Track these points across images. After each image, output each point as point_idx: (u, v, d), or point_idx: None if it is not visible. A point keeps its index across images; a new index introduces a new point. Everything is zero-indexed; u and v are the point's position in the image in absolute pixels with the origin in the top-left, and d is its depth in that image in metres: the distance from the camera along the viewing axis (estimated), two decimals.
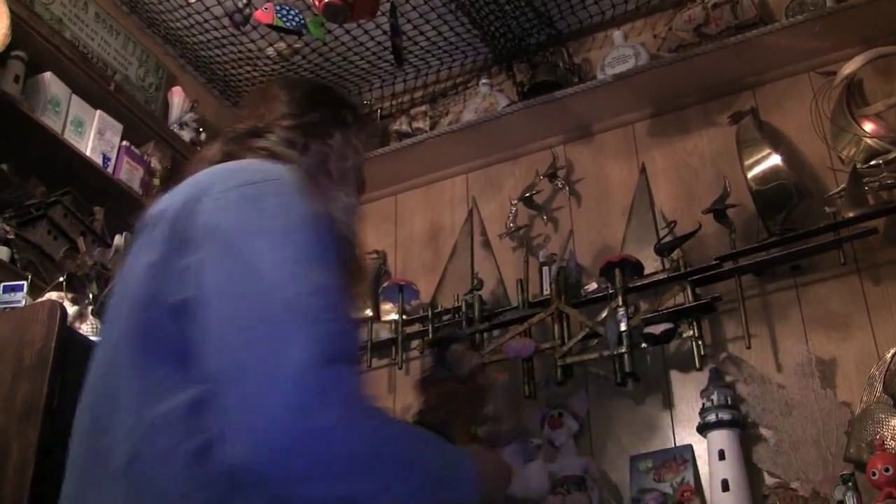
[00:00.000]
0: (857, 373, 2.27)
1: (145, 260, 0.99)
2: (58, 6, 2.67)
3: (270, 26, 2.47)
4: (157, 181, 2.74)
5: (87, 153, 2.52)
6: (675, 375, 2.49)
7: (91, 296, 2.09)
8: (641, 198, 2.73)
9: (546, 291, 2.66)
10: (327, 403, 0.85)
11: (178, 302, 0.94)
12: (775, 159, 2.42)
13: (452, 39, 3.07)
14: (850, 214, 2.32)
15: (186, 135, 2.95)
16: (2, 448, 1.60)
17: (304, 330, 0.88)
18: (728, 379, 2.37)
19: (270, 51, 3.03)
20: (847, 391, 2.25)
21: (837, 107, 2.48)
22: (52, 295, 2.01)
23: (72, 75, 2.54)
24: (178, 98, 3.01)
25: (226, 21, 2.79)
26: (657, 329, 2.40)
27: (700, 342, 2.39)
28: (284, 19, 2.45)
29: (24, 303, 1.97)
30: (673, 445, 2.40)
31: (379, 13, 2.45)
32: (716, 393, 2.31)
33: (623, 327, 2.40)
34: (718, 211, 2.47)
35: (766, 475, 2.24)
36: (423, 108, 3.23)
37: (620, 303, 2.44)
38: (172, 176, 2.78)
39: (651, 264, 2.55)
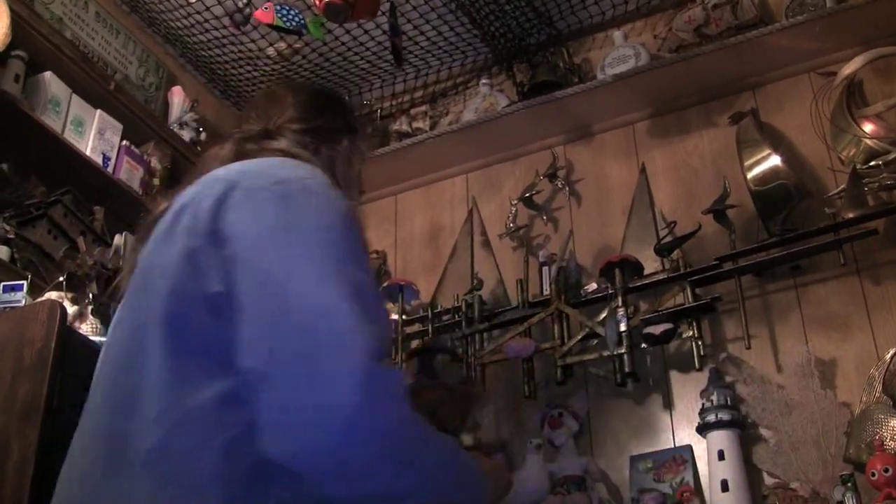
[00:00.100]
0: (856, 373, 2.27)
1: (175, 250, 0.98)
2: (58, 5, 2.67)
3: (270, 26, 2.47)
4: (156, 181, 2.74)
5: (87, 153, 2.52)
6: (674, 375, 2.49)
7: (91, 295, 2.09)
8: (641, 198, 2.74)
9: (546, 291, 2.66)
10: (381, 402, 0.87)
11: (212, 295, 0.93)
12: (775, 160, 2.42)
13: (452, 39, 3.07)
14: (850, 215, 2.32)
15: (186, 134, 2.94)
16: (2, 448, 1.60)
17: (352, 328, 0.89)
18: (728, 379, 2.37)
19: (271, 51, 3.03)
20: (847, 392, 2.25)
21: (837, 107, 2.48)
22: (52, 294, 2.01)
23: (72, 75, 2.54)
24: (178, 98, 3.01)
25: (226, 21, 2.79)
26: (657, 329, 2.40)
27: (700, 342, 2.39)
28: (284, 19, 2.45)
29: (24, 302, 1.97)
30: (672, 445, 2.40)
31: (379, 13, 2.44)
32: (715, 393, 2.31)
33: (623, 327, 2.40)
34: (718, 211, 2.47)
35: (765, 475, 2.25)
36: (423, 108, 3.23)
37: (620, 303, 2.44)
38: (172, 176, 2.78)
39: (651, 264, 2.55)
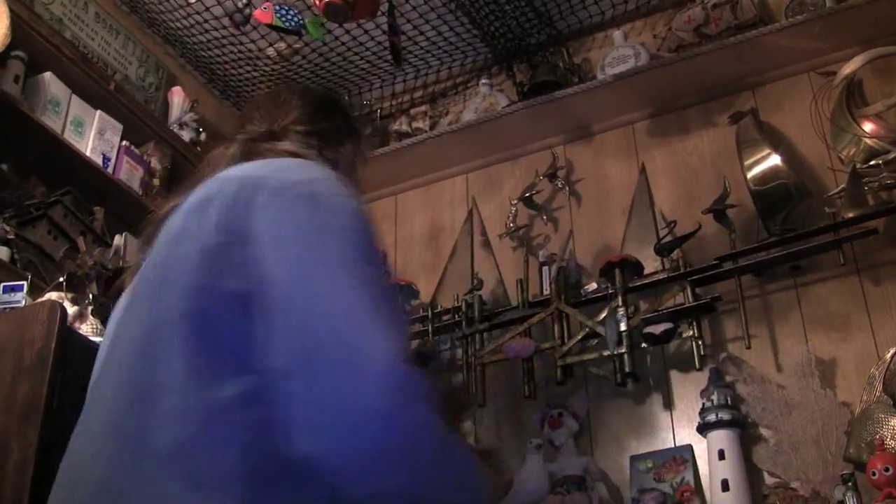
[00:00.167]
0: (856, 373, 2.27)
1: (196, 246, 0.97)
2: (58, 6, 2.67)
3: (270, 26, 2.47)
4: (156, 181, 2.74)
5: (87, 153, 2.52)
6: (675, 375, 2.49)
7: (91, 296, 2.09)
8: (641, 198, 2.74)
9: (546, 291, 2.66)
10: (411, 402, 0.88)
11: (236, 293, 0.93)
12: (775, 159, 2.42)
13: (452, 39, 3.07)
14: (850, 214, 2.32)
15: (186, 135, 2.94)
16: (2, 448, 1.60)
17: (381, 329, 0.90)
18: (728, 379, 2.37)
19: (270, 51, 3.03)
20: (847, 391, 2.25)
21: (837, 107, 2.48)
22: (52, 295, 2.01)
23: (72, 75, 2.54)
24: (178, 98, 3.01)
25: (226, 21, 2.79)
26: (657, 329, 2.40)
27: (700, 342, 2.39)
28: (283, 19, 2.45)
29: (24, 303, 1.97)
30: (673, 445, 2.40)
31: (379, 13, 2.45)
32: (716, 393, 2.31)
33: (623, 327, 2.40)
34: (718, 211, 2.47)
35: (765, 475, 2.25)
36: (423, 108, 3.23)
37: (620, 303, 2.44)
38: (172, 176, 2.78)
39: (651, 264, 2.56)
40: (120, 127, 2.66)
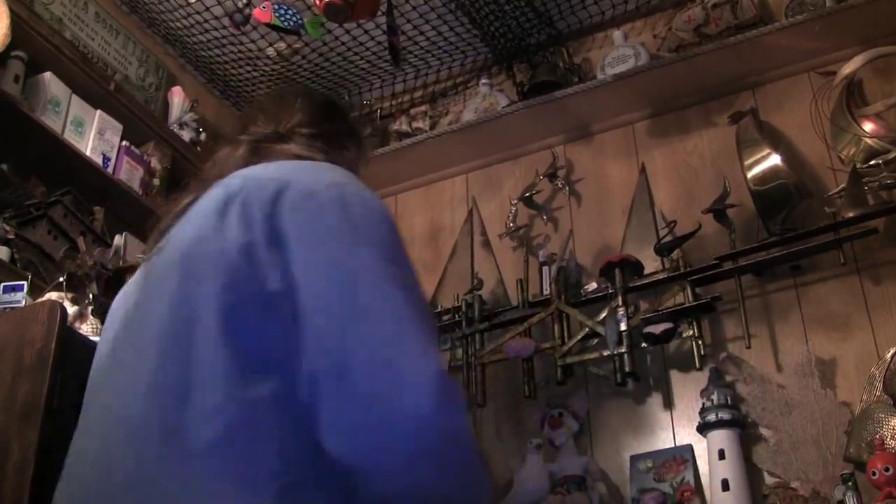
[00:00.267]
0: (857, 373, 2.27)
1: (227, 243, 0.96)
2: (58, 6, 2.67)
3: (269, 25, 2.47)
4: (156, 181, 2.74)
5: (87, 153, 2.52)
6: (675, 375, 2.49)
7: (91, 296, 2.09)
8: (641, 198, 2.74)
9: (546, 291, 2.66)
10: (453, 408, 0.89)
11: (270, 293, 0.93)
12: (775, 159, 2.42)
13: (452, 39, 3.07)
14: (850, 214, 2.32)
15: (186, 135, 2.94)
16: (2, 448, 1.60)
17: (420, 334, 0.91)
18: (728, 379, 2.37)
19: (270, 51, 3.03)
20: (847, 391, 2.25)
21: (837, 107, 2.48)
22: (52, 295, 2.00)
23: (72, 75, 2.54)
24: (178, 98, 3.01)
25: (226, 21, 2.79)
26: (657, 329, 2.40)
27: (700, 342, 2.39)
28: (282, 18, 2.45)
29: (24, 303, 1.96)
30: (673, 445, 2.40)
31: (379, 13, 2.44)
32: (716, 393, 2.31)
33: (623, 327, 2.41)
34: (718, 211, 2.47)
35: (766, 475, 2.25)
36: (423, 108, 3.23)
37: (620, 303, 2.44)
38: (172, 176, 2.78)
39: (651, 264, 2.56)
40: (120, 127, 2.66)
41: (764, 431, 2.29)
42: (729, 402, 2.30)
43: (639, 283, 2.52)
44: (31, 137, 2.37)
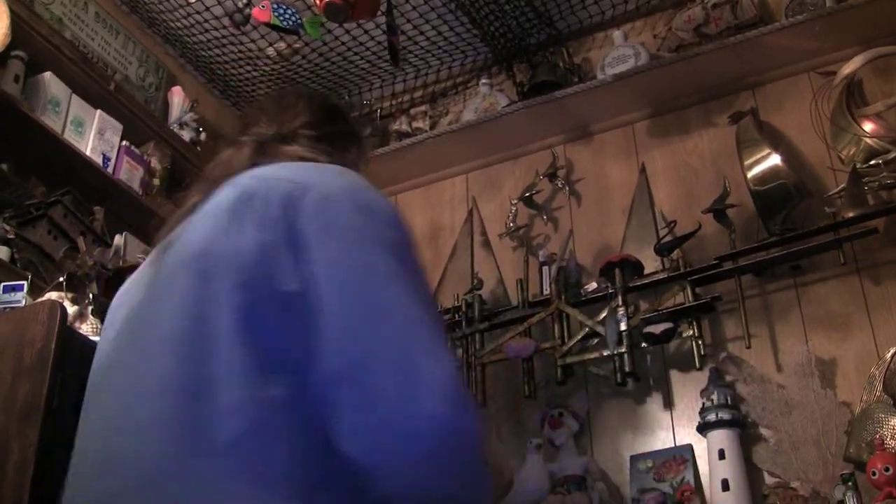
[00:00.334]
0: (857, 373, 2.27)
1: (246, 243, 0.97)
2: (58, 6, 2.67)
3: (267, 25, 2.47)
4: (156, 181, 2.74)
5: (87, 153, 2.52)
6: (675, 375, 2.49)
7: (91, 296, 2.09)
8: (641, 198, 2.74)
9: (546, 291, 2.66)
10: (468, 412, 0.90)
11: (288, 293, 0.93)
12: (775, 159, 2.42)
13: (452, 39, 3.07)
14: (850, 214, 2.32)
15: (186, 135, 2.94)
16: (2, 448, 1.60)
17: (437, 339, 0.93)
18: (728, 379, 2.37)
19: (270, 51, 3.03)
20: (847, 391, 2.26)
21: (837, 107, 2.48)
22: (52, 295, 2.00)
23: (72, 75, 2.54)
24: (178, 98, 3.01)
25: (226, 21, 2.79)
26: (657, 329, 2.40)
27: (700, 342, 2.39)
28: (281, 18, 2.45)
29: (24, 303, 1.96)
30: (673, 445, 2.40)
31: (379, 13, 2.44)
32: (716, 393, 2.31)
33: (623, 327, 2.41)
34: (718, 211, 2.47)
35: (766, 475, 2.25)
36: (423, 107, 3.23)
37: (620, 302, 2.44)
38: (172, 176, 2.78)
39: (651, 264, 2.56)
40: (120, 127, 2.66)
41: (764, 431, 2.29)
42: (729, 402, 2.30)
43: (639, 283, 2.52)
44: (31, 137, 2.37)
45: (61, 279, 2.08)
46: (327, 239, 0.97)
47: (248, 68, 3.16)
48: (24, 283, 2.01)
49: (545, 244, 2.81)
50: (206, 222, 1.03)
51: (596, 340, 2.52)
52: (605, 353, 2.44)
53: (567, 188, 2.87)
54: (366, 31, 2.97)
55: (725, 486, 2.19)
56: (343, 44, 3.04)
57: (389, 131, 3.22)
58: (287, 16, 2.45)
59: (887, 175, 2.32)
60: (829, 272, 2.41)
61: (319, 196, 1.00)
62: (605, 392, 2.54)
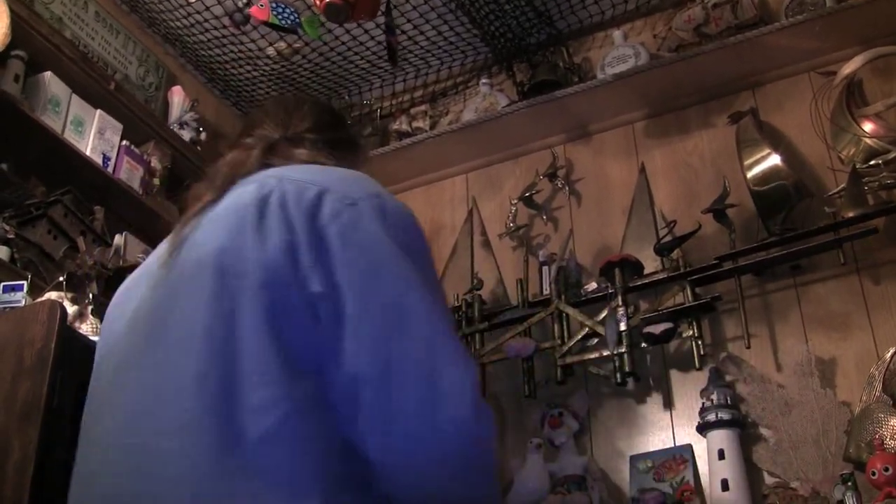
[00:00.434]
0: (856, 372, 2.27)
1: (270, 243, 0.97)
2: (58, 5, 2.67)
3: (266, 23, 2.47)
4: (157, 181, 2.74)
5: (87, 153, 2.52)
6: (675, 375, 2.49)
7: (91, 295, 2.09)
8: (641, 198, 2.74)
9: (546, 291, 2.66)
10: (486, 417, 0.93)
11: (312, 294, 0.94)
12: (775, 159, 2.42)
13: (452, 39, 3.07)
14: (850, 214, 2.32)
15: (186, 134, 2.94)
16: (2, 447, 1.60)
17: (457, 345, 0.97)
18: (728, 378, 2.37)
19: (270, 50, 3.03)
20: (847, 391, 2.26)
21: (837, 107, 2.48)
22: (52, 295, 2.01)
23: (72, 75, 2.54)
24: (178, 97, 3.00)
25: (226, 20, 2.79)
26: (657, 329, 2.40)
27: (700, 342, 2.39)
28: (280, 17, 2.45)
29: (24, 302, 1.96)
30: (673, 445, 2.40)
31: (379, 13, 2.44)
32: (716, 392, 2.31)
33: (623, 327, 2.41)
34: (718, 211, 2.47)
35: (765, 475, 2.25)
36: (423, 107, 3.23)
37: (620, 302, 2.45)
38: (172, 175, 2.78)
39: (651, 264, 2.56)
40: (120, 126, 2.66)
41: (764, 431, 2.29)
42: (729, 401, 2.30)
43: (639, 283, 2.52)
44: (31, 137, 2.37)
45: (61, 279, 2.08)
46: (348, 241, 0.98)
47: (249, 68, 3.16)
48: (24, 282, 2.01)
49: (545, 244, 2.81)
50: (223, 222, 1.03)
51: (596, 340, 2.52)
52: (604, 353, 2.44)
53: (567, 188, 2.87)
54: (366, 31, 2.97)
55: (725, 486, 2.19)
56: (343, 44, 3.04)
57: (389, 131, 3.22)
58: (285, 15, 2.45)
59: (887, 175, 2.32)
60: (828, 272, 2.41)
61: (342, 201, 1.01)
62: (604, 392, 2.55)
